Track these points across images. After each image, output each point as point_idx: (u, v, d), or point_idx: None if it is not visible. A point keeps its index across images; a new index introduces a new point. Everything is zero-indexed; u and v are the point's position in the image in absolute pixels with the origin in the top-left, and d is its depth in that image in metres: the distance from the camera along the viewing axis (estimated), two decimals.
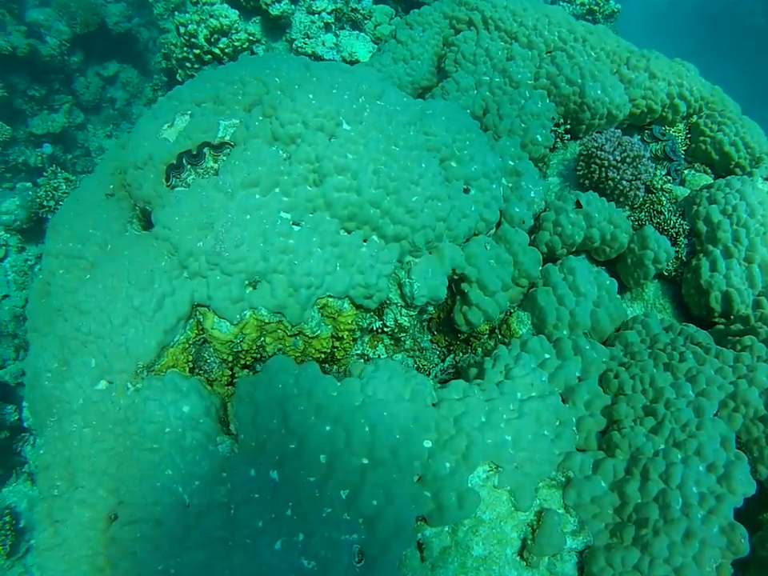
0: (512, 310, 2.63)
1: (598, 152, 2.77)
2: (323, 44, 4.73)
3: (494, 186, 2.65)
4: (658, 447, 1.91)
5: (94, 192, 2.74)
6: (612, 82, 3.08)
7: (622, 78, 3.19)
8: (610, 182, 2.73)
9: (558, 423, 2.05)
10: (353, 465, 1.69)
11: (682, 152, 3.16)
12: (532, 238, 2.72)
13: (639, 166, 2.73)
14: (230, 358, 2.16)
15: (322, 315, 2.23)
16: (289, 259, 2.10)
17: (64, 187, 4.71)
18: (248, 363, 2.22)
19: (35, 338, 2.46)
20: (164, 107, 2.80)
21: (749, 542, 1.71)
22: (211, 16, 4.67)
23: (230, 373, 2.20)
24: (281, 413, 1.72)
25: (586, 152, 2.82)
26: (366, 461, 1.68)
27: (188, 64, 4.98)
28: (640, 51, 3.37)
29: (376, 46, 4.74)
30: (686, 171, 3.20)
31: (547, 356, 2.30)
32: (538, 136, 2.91)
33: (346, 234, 2.24)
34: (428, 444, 1.85)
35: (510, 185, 2.77)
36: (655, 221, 2.72)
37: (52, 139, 6.41)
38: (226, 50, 4.88)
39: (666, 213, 2.72)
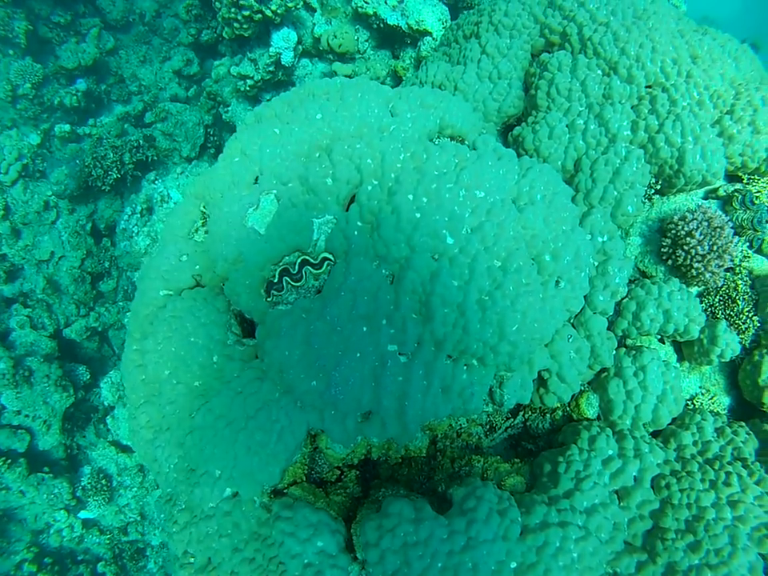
0: (583, 389, 2.85)
1: (687, 238, 2.76)
2: (386, 2, 4.14)
3: (583, 276, 2.71)
4: (692, 563, 2.31)
5: (180, 269, 2.75)
6: (713, 144, 2.93)
7: (723, 132, 3.02)
8: (693, 270, 2.77)
9: (614, 529, 2.42)
10: None
11: (766, 222, 3.10)
12: (610, 320, 2.83)
13: (725, 256, 2.75)
14: (341, 464, 2.46)
15: (423, 431, 2.48)
16: (400, 396, 2.28)
17: (111, 155, 4.51)
18: (354, 464, 2.52)
19: (142, 411, 2.69)
20: (241, 169, 2.76)
21: None
22: None
23: (339, 472, 2.50)
24: (405, 559, 2.07)
25: (674, 235, 2.81)
26: None
27: (236, 24, 4.44)
28: (746, 91, 3.12)
29: (446, 10, 4.17)
30: None
31: (611, 452, 2.59)
32: (629, 207, 2.87)
33: (450, 361, 2.37)
34: (513, 565, 2.23)
35: (597, 264, 2.80)
36: (728, 311, 2.82)
37: (84, 71, 5.90)
38: (278, 11, 4.31)
39: (740, 303, 2.81)
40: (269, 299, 2.43)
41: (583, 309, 2.76)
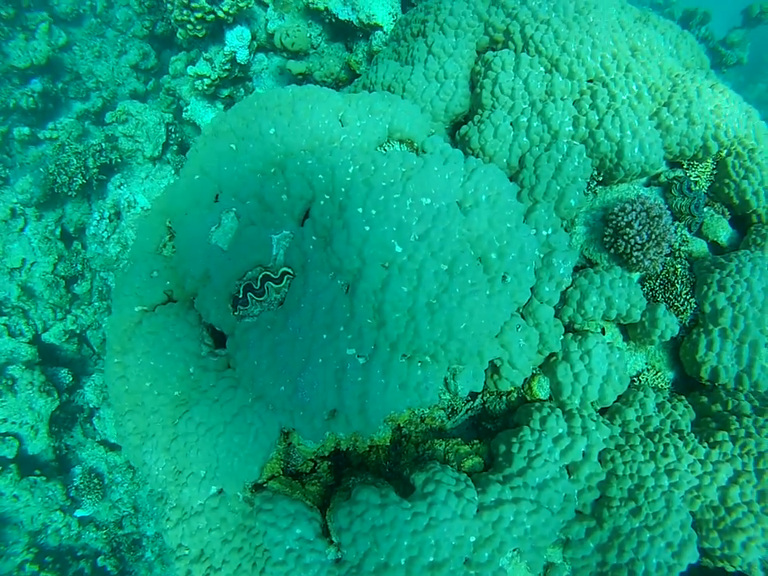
0: (535, 372, 3.23)
1: (627, 229, 3.11)
2: None
3: (528, 269, 3.05)
4: (633, 526, 2.74)
5: (149, 285, 3.07)
6: (651, 137, 3.25)
7: (660, 124, 3.34)
8: (633, 258, 3.12)
9: (564, 501, 2.83)
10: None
11: (704, 206, 3.45)
12: (556, 308, 3.20)
13: (663, 244, 3.11)
14: (313, 457, 2.84)
15: (386, 422, 2.86)
16: (361, 394, 2.65)
17: (74, 161, 4.72)
18: (326, 456, 2.91)
19: (128, 419, 3.05)
20: (202, 188, 3.06)
21: None
22: None
23: (313, 464, 2.89)
24: (374, 540, 2.47)
25: (615, 225, 3.15)
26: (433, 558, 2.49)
27: (189, 26, 4.62)
28: (683, 83, 3.42)
29: (397, 2, 4.36)
30: (705, 209, 3.53)
31: (560, 431, 3.00)
32: (572, 201, 3.20)
33: (405, 359, 2.73)
34: (473, 538, 2.64)
35: (542, 256, 3.15)
36: (667, 294, 3.19)
37: (38, 70, 6.00)
38: (230, 11, 4.49)
39: (678, 286, 3.18)
40: (236, 313, 2.75)
41: (531, 300, 3.11)
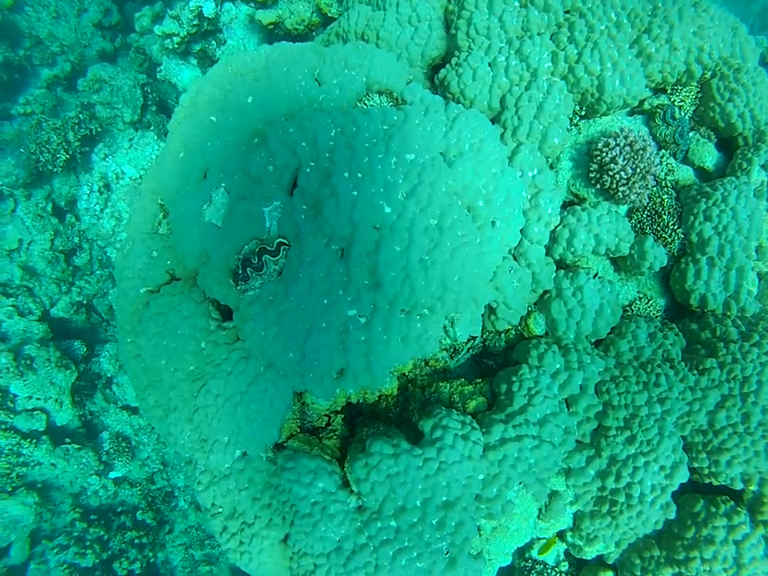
0: (530, 309, 3.45)
1: (611, 164, 3.23)
2: None
3: (516, 212, 3.20)
4: (629, 453, 3.03)
5: (151, 267, 3.25)
6: (631, 68, 3.29)
7: (641, 52, 3.36)
8: (619, 193, 3.26)
9: (564, 433, 3.12)
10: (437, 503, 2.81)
11: (688, 133, 3.53)
12: (546, 247, 3.37)
13: (648, 177, 3.23)
14: (327, 412, 3.12)
15: (391, 374, 3.11)
16: (365, 352, 2.87)
17: (55, 138, 4.74)
18: (339, 410, 3.19)
19: (149, 393, 3.32)
20: (188, 166, 3.18)
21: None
22: None
23: (327, 419, 3.18)
24: (390, 487, 2.77)
25: (599, 161, 3.26)
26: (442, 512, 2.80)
27: None
28: (663, 5, 3.42)
29: None
30: (691, 134, 3.62)
31: (557, 366, 3.25)
32: (555, 139, 3.29)
33: (404, 314, 2.94)
34: (481, 476, 2.94)
35: (530, 197, 3.29)
36: (654, 226, 3.34)
37: None
38: None
39: (665, 217, 3.33)
40: (238, 288, 2.94)
41: (521, 241, 3.27)
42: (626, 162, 3.20)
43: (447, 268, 2.90)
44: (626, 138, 3.24)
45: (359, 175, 2.90)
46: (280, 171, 2.97)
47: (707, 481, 3.10)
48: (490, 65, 3.35)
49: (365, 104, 3.28)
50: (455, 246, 2.92)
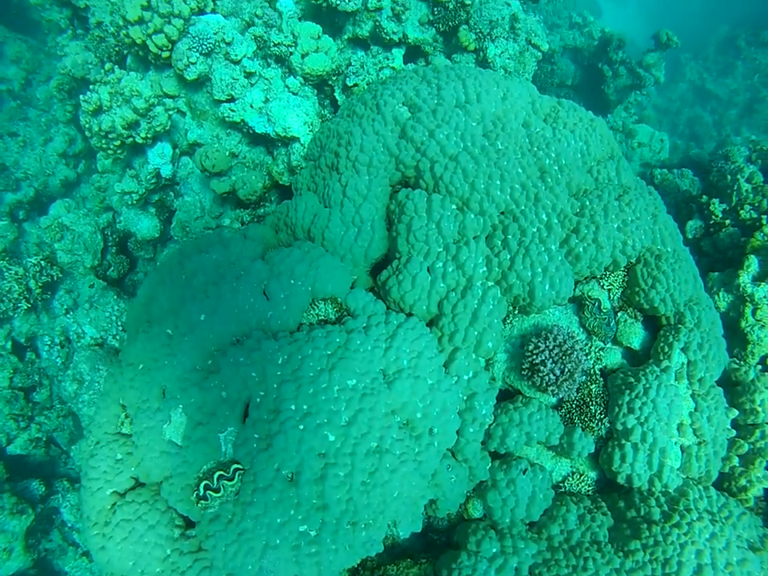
0: (469, 495, 3.85)
1: (540, 367, 3.61)
2: (251, 106, 4.41)
3: (453, 417, 3.60)
4: None
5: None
6: (561, 271, 3.68)
7: (570, 252, 3.74)
8: (549, 391, 3.64)
9: None
10: None
11: (614, 323, 3.91)
12: (482, 443, 3.76)
13: (576, 376, 3.62)
14: None
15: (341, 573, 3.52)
16: (317, 562, 3.27)
17: (16, 287, 4.98)
18: None
19: None
20: (148, 386, 3.58)
21: None
22: (121, 96, 4.31)
23: None
24: None
25: (529, 362, 3.64)
26: None
27: (110, 151, 4.73)
28: (590, 204, 3.76)
29: (310, 108, 4.48)
30: (619, 314, 4.01)
31: (494, 550, 3.68)
32: (490, 344, 3.69)
33: (350, 526, 3.33)
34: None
35: (465, 398, 3.68)
36: (582, 416, 3.75)
37: None
38: (148, 135, 4.60)
39: (593, 407, 3.73)
40: (198, 505, 3.32)
41: (458, 440, 3.66)
42: (554, 364, 3.58)
43: (387, 487, 3.31)
44: (554, 339, 3.62)
45: (305, 407, 3.28)
46: (233, 402, 3.34)
47: None
48: (428, 269, 3.69)
49: (310, 320, 3.61)
50: (394, 467, 3.33)
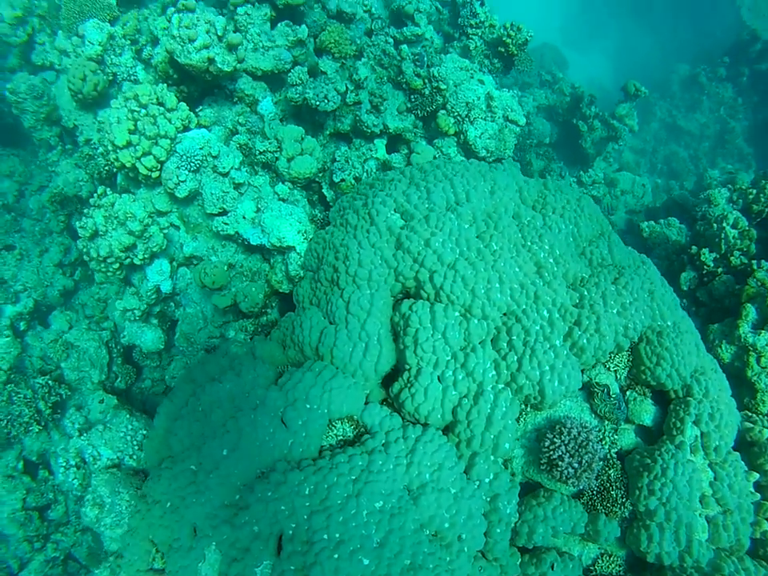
0: None
1: (558, 462, 3.73)
2: (244, 217, 4.56)
3: (478, 522, 3.71)
4: None
5: None
6: (568, 367, 3.82)
7: (574, 345, 3.89)
8: (569, 484, 3.76)
9: None
10: None
11: (624, 405, 4.04)
12: (510, 538, 3.87)
13: (594, 465, 3.74)
14: None
15: None
16: None
17: (26, 411, 5.03)
18: None
19: None
20: (179, 524, 3.64)
21: None
22: (116, 219, 4.46)
23: None
24: None
25: (548, 458, 3.76)
26: None
27: (109, 273, 4.86)
28: (588, 293, 3.90)
29: (303, 215, 4.64)
30: (628, 392, 4.14)
31: None
32: (506, 445, 3.81)
33: None
34: None
35: (489, 500, 3.78)
36: (604, 503, 3.86)
37: None
38: (145, 256, 4.74)
39: (613, 492, 3.86)
40: None
41: (486, 541, 3.77)
42: (571, 458, 3.71)
43: None
44: (569, 432, 3.74)
45: (337, 536, 3.38)
46: (266, 536, 3.43)
47: None
48: (438, 378, 3.80)
49: (330, 442, 3.72)
50: None
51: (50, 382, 5.25)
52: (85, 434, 4.87)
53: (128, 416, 4.88)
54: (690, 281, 5.55)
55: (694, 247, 5.61)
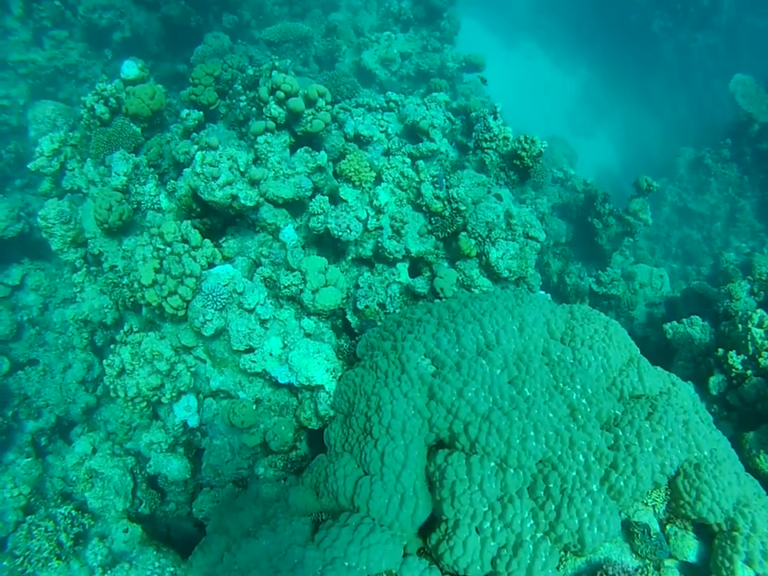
0: None
1: None
2: (270, 354, 4.67)
3: None
4: None
5: None
6: (606, 513, 3.80)
7: (612, 488, 3.91)
8: None
9: None
10: None
11: (665, 543, 4.02)
12: None
13: None
14: None
15: None
16: None
17: (47, 545, 5.00)
18: None
19: None
20: None
21: None
22: (143, 358, 4.66)
23: None
24: None
25: None
26: None
27: (136, 412, 5.03)
28: (623, 434, 3.92)
29: (330, 352, 4.76)
30: (667, 527, 4.11)
31: None
32: None
33: None
34: None
35: None
36: None
37: None
38: (173, 394, 4.91)
39: None
40: None
41: None
42: None
43: None
44: None
45: None
46: None
47: None
48: (477, 530, 3.80)
49: None
50: None
51: (72, 511, 5.24)
52: (109, 571, 4.85)
53: (155, 552, 4.86)
54: (719, 384, 5.54)
55: (720, 350, 5.63)
